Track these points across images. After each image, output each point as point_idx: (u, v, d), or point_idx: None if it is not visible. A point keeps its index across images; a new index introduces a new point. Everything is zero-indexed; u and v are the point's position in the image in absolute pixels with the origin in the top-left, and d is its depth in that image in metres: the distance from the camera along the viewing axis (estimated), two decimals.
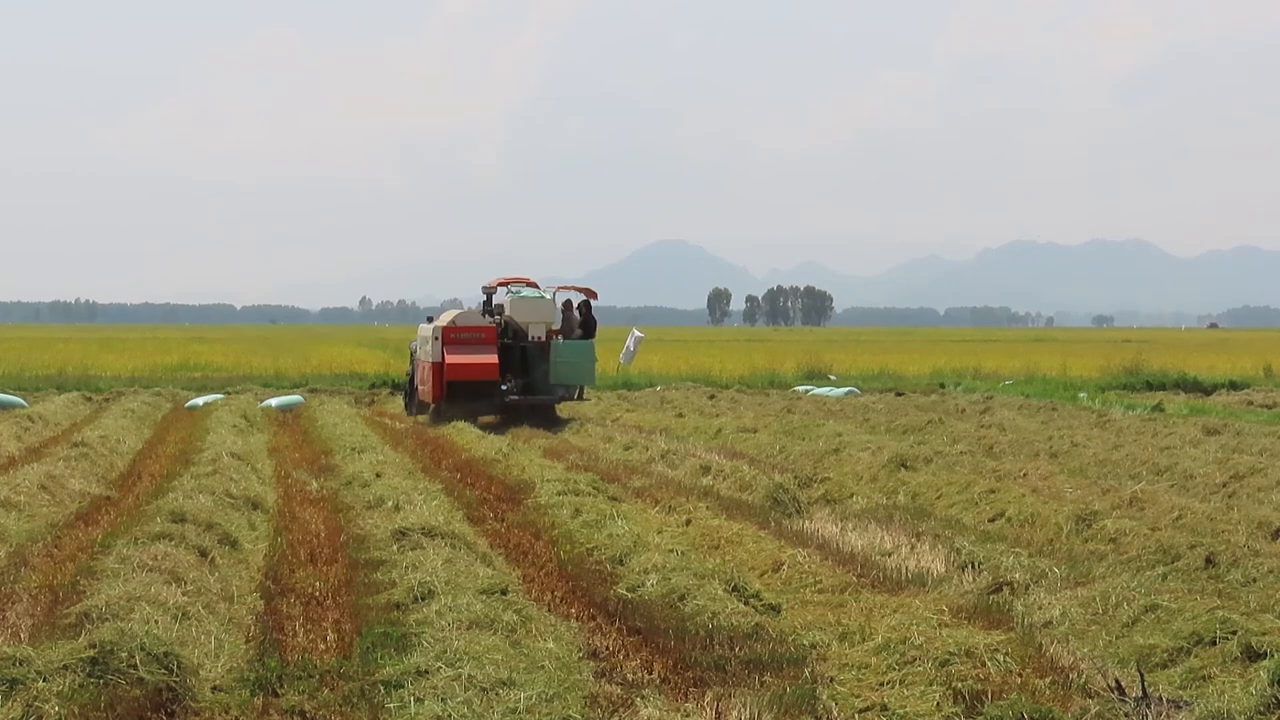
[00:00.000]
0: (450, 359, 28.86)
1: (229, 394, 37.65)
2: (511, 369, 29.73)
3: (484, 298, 31.13)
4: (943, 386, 43.22)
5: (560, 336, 30.33)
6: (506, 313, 30.15)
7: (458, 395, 28.94)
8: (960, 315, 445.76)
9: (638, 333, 43.49)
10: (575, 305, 31.45)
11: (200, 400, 34.46)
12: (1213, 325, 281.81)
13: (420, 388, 30.77)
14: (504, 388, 29.41)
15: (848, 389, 41.10)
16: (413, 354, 32.93)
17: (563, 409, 30.76)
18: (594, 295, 31.94)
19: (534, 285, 31.07)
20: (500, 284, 31.10)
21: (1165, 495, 16.13)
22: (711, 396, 37.59)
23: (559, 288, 31.87)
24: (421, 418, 30.46)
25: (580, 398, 30.97)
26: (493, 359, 28.97)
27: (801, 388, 42.46)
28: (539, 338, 29.89)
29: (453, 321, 29.62)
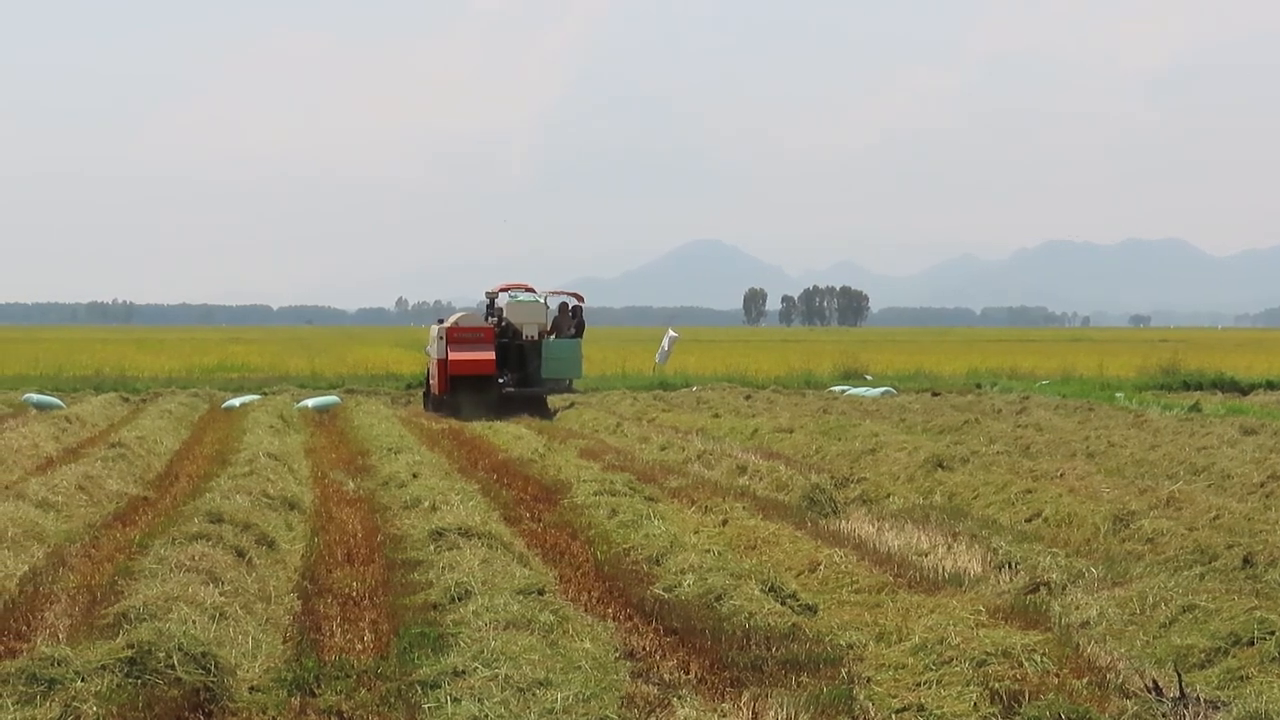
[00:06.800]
0: (454, 356, 32.40)
1: (266, 394, 37.70)
2: (508, 364, 33.41)
3: (487, 301, 35.04)
4: (979, 386, 43.05)
5: (554, 335, 34.16)
6: (504, 315, 33.84)
7: (460, 388, 32.35)
8: (996, 315, 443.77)
9: (673, 333, 43.54)
10: (570, 308, 34.83)
11: (237, 401, 34.52)
12: None
13: (430, 382, 34.06)
14: (500, 381, 32.96)
15: (884, 389, 40.95)
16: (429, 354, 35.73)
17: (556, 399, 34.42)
18: (582, 299, 35.63)
19: (531, 290, 34.66)
20: (502, 289, 34.84)
21: (1202, 495, 16.02)
22: (747, 397, 37.51)
23: (551, 292, 35.57)
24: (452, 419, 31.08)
25: (570, 389, 35.23)
26: (490, 355, 32.50)
27: (837, 388, 42.30)
28: (532, 337, 33.67)
29: (456, 322, 33.23)
